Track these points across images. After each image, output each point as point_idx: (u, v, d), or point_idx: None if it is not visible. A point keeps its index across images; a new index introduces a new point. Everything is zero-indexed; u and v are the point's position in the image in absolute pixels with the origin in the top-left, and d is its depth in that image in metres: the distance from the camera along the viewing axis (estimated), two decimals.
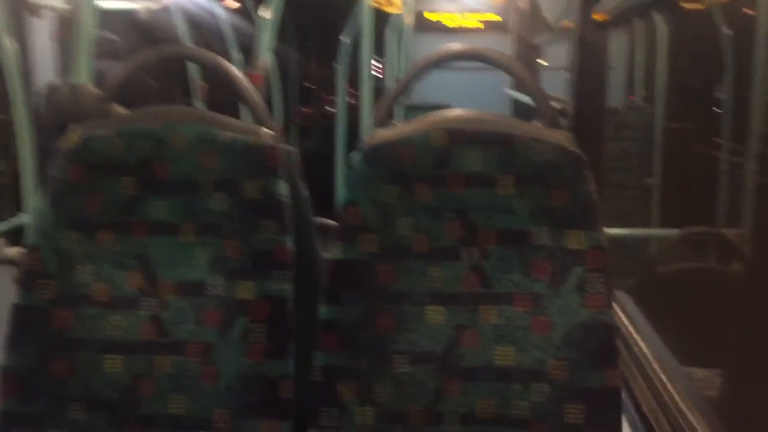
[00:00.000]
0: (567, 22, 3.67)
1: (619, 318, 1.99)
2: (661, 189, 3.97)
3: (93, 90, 1.45)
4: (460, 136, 1.20)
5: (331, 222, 1.32)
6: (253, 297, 1.19)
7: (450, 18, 7.69)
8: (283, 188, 1.23)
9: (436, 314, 1.19)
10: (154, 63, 1.42)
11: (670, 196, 3.96)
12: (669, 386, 1.62)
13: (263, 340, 1.18)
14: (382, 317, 1.19)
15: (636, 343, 1.86)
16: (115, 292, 1.22)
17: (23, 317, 1.20)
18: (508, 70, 1.31)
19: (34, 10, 3.39)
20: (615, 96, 4.63)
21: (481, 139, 1.20)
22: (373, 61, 3.34)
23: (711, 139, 3.93)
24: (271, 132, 1.27)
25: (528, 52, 6.46)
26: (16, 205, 3.53)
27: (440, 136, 1.20)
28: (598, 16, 2.38)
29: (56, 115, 2.95)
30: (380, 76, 6.37)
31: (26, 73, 3.40)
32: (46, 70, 3.30)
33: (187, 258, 1.22)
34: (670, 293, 2.43)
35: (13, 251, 2.41)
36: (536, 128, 1.24)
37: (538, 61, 6.33)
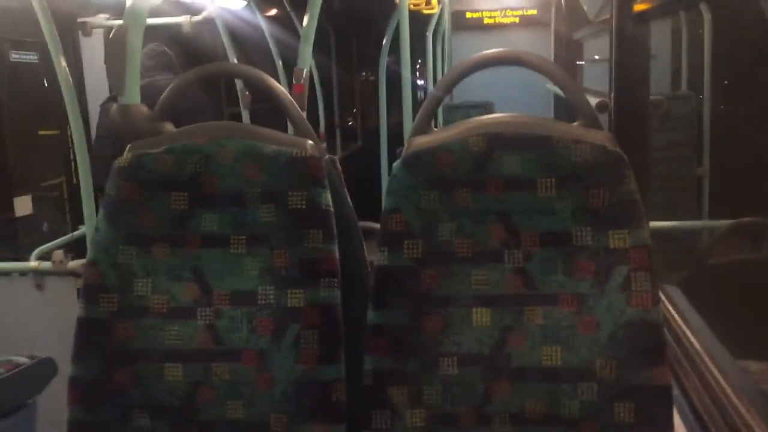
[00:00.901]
0: (606, 16, 3.63)
1: (669, 312, 1.97)
2: (710, 179, 3.89)
3: (142, 109, 1.51)
4: (499, 140, 1.22)
5: (375, 225, 1.34)
6: (303, 305, 1.23)
7: (489, 15, 7.65)
8: (327, 197, 1.26)
9: (481, 316, 1.21)
10: (199, 80, 1.47)
11: (720, 186, 3.88)
12: (722, 381, 1.60)
13: (315, 345, 1.22)
14: (428, 321, 1.21)
15: (687, 338, 1.84)
16: (172, 303, 1.27)
17: (87, 330, 1.26)
18: (546, 73, 1.32)
19: (86, 29, 3.52)
20: (661, 86, 4.54)
21: (520, 142, 1.21)
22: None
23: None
24: (313, 143, 1.30)
25: (567, 47, 6.38)
26: (74, 219, 3.66)
27: (479, 141, 1.22)
28: (639, 6, 2.35)
29: (112, 126, 3.06)
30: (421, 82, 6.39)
31: (80, 90, 3.53)
32: (99, 86, 3.41)
33: (239, 269, 1.26)
34: (721, 285, 2.39)
35: (75, 263, 2.51)
36: (575, 129, 1.24)
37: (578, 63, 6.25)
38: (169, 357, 1.25)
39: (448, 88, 1.39)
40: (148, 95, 1.59)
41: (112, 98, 3.26)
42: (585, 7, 5.12)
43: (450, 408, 1.19)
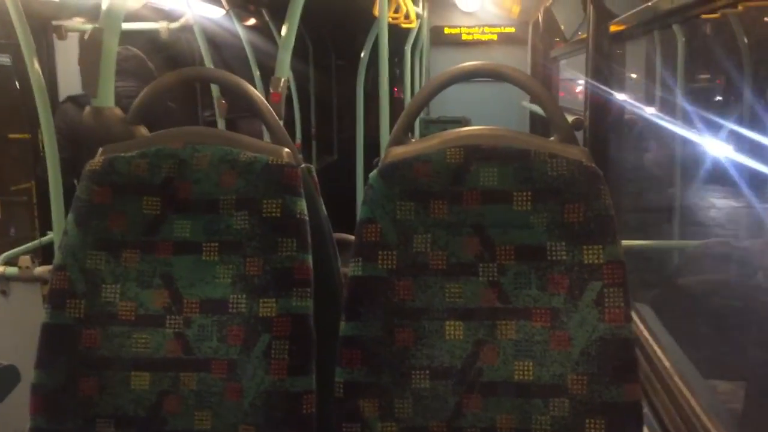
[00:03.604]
0: (583, 35, 3.68)
1: (640, 331, 1.98)
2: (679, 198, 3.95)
3: (116, 112, 1.49)
4: (476, 153, 1.22)
5: (350, 237, 1.33)
6: (274, 314, 1.21)
7: (467, 32, 7.72)
8: (302, 206, 1.25)
9: (454, 329, 1.20)
10: (175, 85, 1.45)
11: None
12: (691, 400, 1.61)
13: (285, 356, 1.20)
14: (401, 333, 1.20)
15: (657, 356, 1.85)
16: (140, 310, 1.24)
17: (52, 336, 1.23)
18: (524, 87, 1.33)
19: (60, 33, 3.47)
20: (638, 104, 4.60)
21: (497, 155, 1.21)
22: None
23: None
24: (289, 151, 1.29)
25: (545, 64, 6.46)
26: (43, 224, 3.59)
27: (456, 153, 1.22)
28: (615, 27, 2.39)
29: (66, 128, 3.01)
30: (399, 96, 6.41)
31: (53, 93, 3.47)
32: (72, 90, 3.36)
33: (211, 276, 1.25)
34: (691, 305, 2.41)
35: (42, 269, 2.46)
36: (552, 144, 1.25)
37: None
38: (136, 365, 1.23)
39: (427, 100, 1.39)
40: None
41: (69, 99, 3.21)
42: (562, 26, 5.18)
43: (421, 421, 1.18)
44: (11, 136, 3.95)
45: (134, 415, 1.22)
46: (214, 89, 3.98)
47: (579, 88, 6.44)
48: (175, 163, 1.26)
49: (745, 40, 3.54)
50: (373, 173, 1.24)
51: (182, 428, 1.21)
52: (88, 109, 1.50)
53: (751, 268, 2.54)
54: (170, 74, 1.42)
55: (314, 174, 1.40)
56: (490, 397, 1.18)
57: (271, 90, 2.11)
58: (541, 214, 1.20)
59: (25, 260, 2.50)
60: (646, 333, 1.99)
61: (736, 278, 2.62)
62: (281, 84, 2.09)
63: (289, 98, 5.55)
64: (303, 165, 1.33)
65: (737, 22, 3.58)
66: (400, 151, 1.25)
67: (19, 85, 3.54)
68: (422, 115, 5.32)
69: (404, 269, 1.21)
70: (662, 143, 4.14)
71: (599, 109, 2.26)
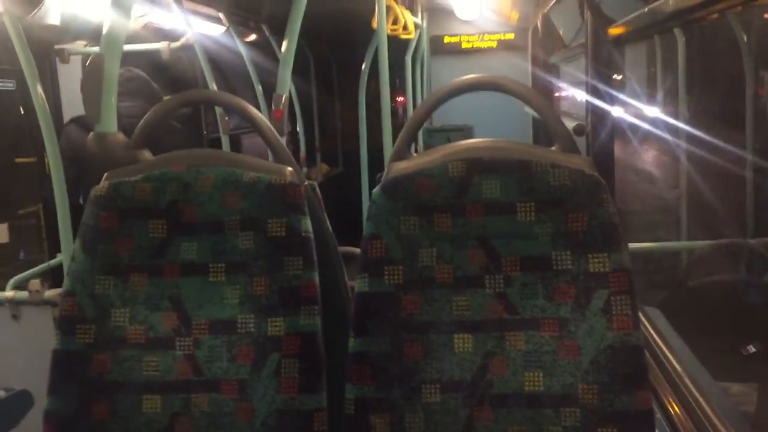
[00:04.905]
0: (583, 40, 3.68)
1: (650, 334, 1.98)
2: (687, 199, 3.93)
3: (120, 138, 1.50)
4: (478, 165, 1.22)
5: (355, 250, 1.34)
6: (283, 333, 1.22)
7: (467, 40, 7.73)
8: (306, 224, 1.25)
9: (463, 342, 1.20)
10: (178, 108, 1.46)
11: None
12: (703, 403, 1.60)
13: (296, 374, 1.20)
14: (410, 347, 1.20)
15: (668, 360, 1.85)
16: (150, 333, 1.25)
17: (64, 362, 1.24)
18: (522, 98, 1.33)
19: (63, 56, 3.50)
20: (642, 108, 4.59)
21: (499, 167, 1.22)
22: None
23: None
24: (292, 169, 1.30)
25: (544, 70, 6.46)
26: (51, 246, 3.61)
27: (458, 166, 1.22)
28: (614, 31, 2.39)
29: (69, 149, 3.02)
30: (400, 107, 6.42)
31: (57, 117, 3.50)
32: (76, 113, 3.38)
33: (218, 297, 1.25)
34: (700, 306, 2.40)
35: (52, 293, 2.48)
36: (554, 153, 1.25)
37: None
38: (147, 388, 1.23)
39: (428, 113, 1.40)
40: None
41: (73, 121, 3.23)
42: (561, 32, 5.19)
43: None
44: (18, 160, 3.98)
45: None
46: (218, 107, 4.00)
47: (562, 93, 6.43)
48: (180, 185, 1.27)
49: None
50: (376, 189, 1.25)
51: None
52: (91, 135, 1.51)
53: (762, 267, 2.53)
54: (173, 97, 1.44)
55: (318, 191, 1.41)
56: (501, 409, 1.18)
57: (273, 107, 2.12)
58: (545, 224, 1.20)
59: (35, 284, 2.51)
60: (656, 336, 1.98)
61: (748, 278, 2.61)
62: (282, 101, 2.11)
63: (291, 112, 5.57)
64: (306, 182, 1.33)
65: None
66: (402, 167, 1.26)
67: (23, 110, 3.57)
68: (425, 124, 5.33)
69: (411, 284, 1.21)
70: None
71: (600, 115, 2.26)
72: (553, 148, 1.28)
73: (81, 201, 2.78)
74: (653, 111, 4.20)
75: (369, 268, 1.22)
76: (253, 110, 1.40)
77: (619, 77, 2.37)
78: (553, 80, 6.27)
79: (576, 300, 1.18)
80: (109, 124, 1.50)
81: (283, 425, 1.19)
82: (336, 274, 1.40)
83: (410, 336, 1.20)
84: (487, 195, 1.22)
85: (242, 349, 1.23)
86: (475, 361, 1.19)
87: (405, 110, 5.79)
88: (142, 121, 1.40)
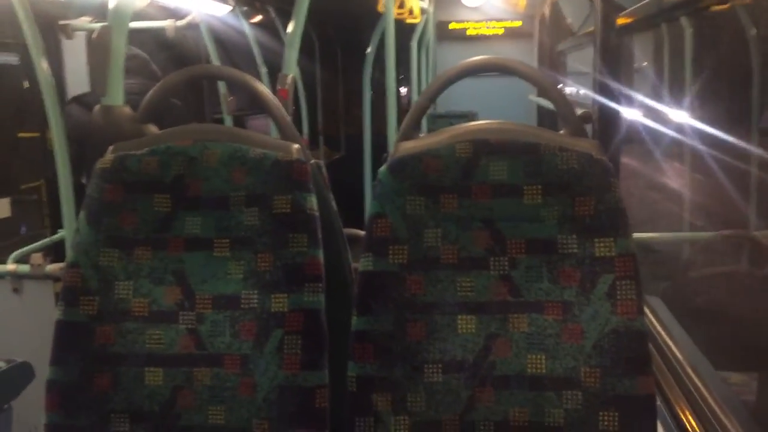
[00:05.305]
0: (591, 28, 3.66)
1: (652, 323, 1.98)
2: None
3: (126, 111, 1.49)
4: (486, 147, 1.22)
5: (360, 232, 1.33)
6: (286, 309, 1.22)
7: (473, 27, 7.70)
8: (312, 202, 1.25)
9: (466, 323, 1.20)
10: (184, 83, 1.45)
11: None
12: (704, 391, 1.61)
13: (298, 351, 1.20)
14: (413, 327, 1.20)
15: (669, 349, 1.85)
16: (153, 306, 1.25)
17: (67, 333, 1.24)
18: (531, 80, 1.32)
19: (68, 32, 3.49)
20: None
21: (507, 149, 1.21)
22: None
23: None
24: (298, 147, 1.29)
25: (552, 57, 6.44)
26: (53, 222, 3.61)
27: (465, 147, 1.22)
28: (623, 20, 2.37)
29: (70, 128, 3.01)
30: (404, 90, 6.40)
31: (61, 92, 3.49)
32: (80, 89, 3.37)
33: (222, 272, 1.25)
34: (702, 297, 2.41)
35: (53, 267, 2.48)
36: (561, 137, 1.25)
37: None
38: (149, 361, 1.23)
39: (436, 95, 1.39)
40: None
41: (74, 99, 3.21)
42: (569, 20, 5.16)
43: (434, 415, 1.18)
44: (21, 134, 3.98)
45: (148, 410, 1.22)
46: (221, 87, 3.99)
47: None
48: (185, 160, 1.26)
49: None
50: (383, 168, 1.24)
51: (196, 423, 1.22)
52: (97, 107, 1.50)
53: (765, 258, 2.53)
54: (178, 72, 1.43)
55: (324, 170, 1.40)
56: (503, 391, 1.18)
57: (278, 87, 2.11)
58: (552, 207, 1.20)
59: (36, 258, 2.52)
60: (657, 326, 1.99)
61: (749, 269, 2.61)
62: (288, 81, 2.10)
63: (295, 95, 5.55)
64: (313, 161, 1.33)
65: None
66: (409, 146, 1.25)
67: (28, 85, 3.56)
68: (429, 110, 5.32)
69: (415, 263, 1.21)
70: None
71: (606, 103, 2.25)
72: (561, 132, 1.28)
73: (83, 180, 2.77)
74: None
75: (373, 246, 1.22)
76: (260, 85, 1.40)
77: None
78: (561, 69, 6.24)
79: (581, 284, 1.18)
80: (116, 97, 1.49)
81: (285, 401, 1.20)
82: (340, 252, 1.40)
83: (413, 316, 1.20)
84: (494, 177, 1.21)
85: (245, 325, 1.23)
86: (478, 342, 1.19)
87: (409, 98, 5.78)
88: (147, 94, 1.39)
